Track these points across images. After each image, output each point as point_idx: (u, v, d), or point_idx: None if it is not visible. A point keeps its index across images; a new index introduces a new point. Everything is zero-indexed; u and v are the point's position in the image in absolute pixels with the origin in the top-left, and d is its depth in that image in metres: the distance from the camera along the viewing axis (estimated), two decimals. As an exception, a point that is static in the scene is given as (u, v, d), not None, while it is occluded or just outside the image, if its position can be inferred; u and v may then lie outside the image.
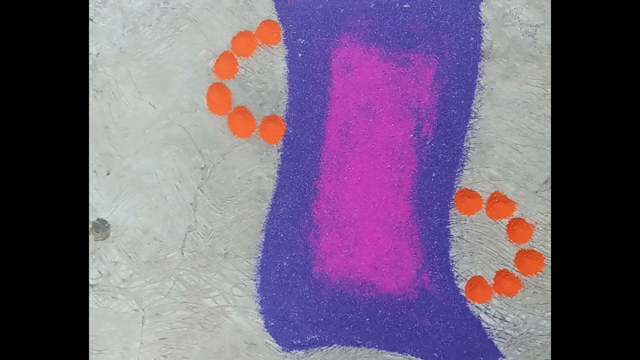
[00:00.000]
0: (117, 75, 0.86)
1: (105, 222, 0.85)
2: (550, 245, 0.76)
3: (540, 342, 0.75)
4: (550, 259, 0.76)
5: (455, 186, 0.79)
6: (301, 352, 0.80)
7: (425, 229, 0.78)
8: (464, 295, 0.77)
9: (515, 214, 0.77)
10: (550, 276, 0.76)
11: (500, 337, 0.76)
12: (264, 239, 0.82)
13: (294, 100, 0.83)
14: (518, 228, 0.77)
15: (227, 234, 0.83)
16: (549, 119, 0.77)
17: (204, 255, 0.83)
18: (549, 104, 0.77)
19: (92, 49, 0.86)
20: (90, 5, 0.86)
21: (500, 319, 0.76)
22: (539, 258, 0.76)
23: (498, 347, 0.76)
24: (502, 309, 0.76)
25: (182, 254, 0.83)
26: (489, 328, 0.76)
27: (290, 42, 0.84)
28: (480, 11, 0.80)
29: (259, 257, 0.82)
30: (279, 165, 0.83)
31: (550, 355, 0.74)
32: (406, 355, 0.78)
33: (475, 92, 0.79)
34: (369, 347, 0.79)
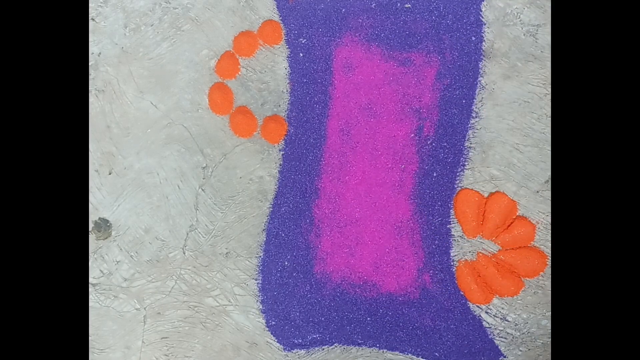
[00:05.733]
0: (118, 75, 0.86)
1: (107, 221, 0.85)
2: (550, 245, 0.76)
3: (542, 341, 0.75)
4: (550, 258, 0.76)
5: (456, 186, 0.79)
6: (302, 352, 0.80)
7: (427, 228, 0.78)
8: (465, 294, 0.77)
9: (517, 214, 0.77)
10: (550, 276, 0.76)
11: (502, 337, 0.76)
12: (265, 239, 0.82)
13: (295, 99, 0.83)
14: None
15: (228, 233, 0.83)
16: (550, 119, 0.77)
17: (205, 255, 0.83)
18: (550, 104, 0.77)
19: (94, 48, 0.86)
20: (92, 5, 0.86)
21: (501, 319, 0.76)
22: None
23: (499, 347, 0.76)
24: (503, 308, 0.76)
25: (184, 253, 0.83)
26: (490, 327, 0.76)
27: (291, 42, 0.84)
28: (481, 11, 0.80)
29: (260, 256, 0.82)
30: (280, 164, 0.83)
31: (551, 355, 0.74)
32: (407, 354, 0.78)
33: (477, 92, 0.79)
34: (370, 347, 0.79)
